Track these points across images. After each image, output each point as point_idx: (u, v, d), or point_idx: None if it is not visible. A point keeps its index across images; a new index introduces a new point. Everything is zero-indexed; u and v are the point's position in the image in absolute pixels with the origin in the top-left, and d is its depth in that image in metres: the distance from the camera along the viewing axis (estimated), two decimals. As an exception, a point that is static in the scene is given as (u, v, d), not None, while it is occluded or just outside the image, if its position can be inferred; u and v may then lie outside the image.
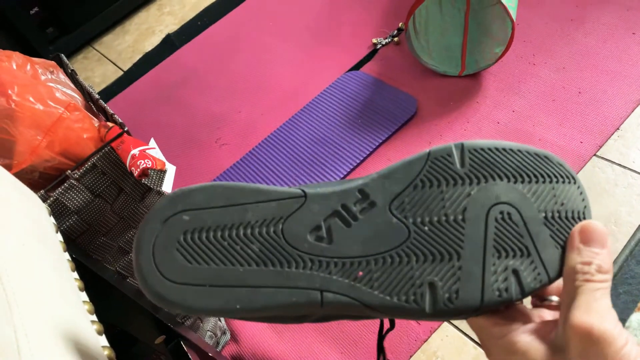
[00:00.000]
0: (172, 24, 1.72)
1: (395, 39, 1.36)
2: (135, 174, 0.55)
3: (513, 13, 1.07)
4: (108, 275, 0.60)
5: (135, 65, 1.60)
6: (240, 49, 1.51)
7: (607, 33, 1.19)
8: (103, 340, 0.40)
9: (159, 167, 0.57)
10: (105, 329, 0.44)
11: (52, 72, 0.66)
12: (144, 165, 0.55)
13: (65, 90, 0.63)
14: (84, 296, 0.44)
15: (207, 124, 1.34)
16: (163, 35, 1.68)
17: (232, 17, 1.64)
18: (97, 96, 0.65)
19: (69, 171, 0.55)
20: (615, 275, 0.45)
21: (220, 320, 0.91)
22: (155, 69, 1.55)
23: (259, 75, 1.41)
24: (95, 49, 1.75)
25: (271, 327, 0.94)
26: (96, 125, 0.59)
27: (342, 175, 1.11)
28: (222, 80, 1.44)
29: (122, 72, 1.60)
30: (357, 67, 1.35)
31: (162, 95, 1.45)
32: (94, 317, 0.41)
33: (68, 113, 0.55)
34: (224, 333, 0.92)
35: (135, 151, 0.56)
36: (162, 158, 0.68)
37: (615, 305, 0.43)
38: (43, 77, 0.62)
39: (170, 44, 1.62)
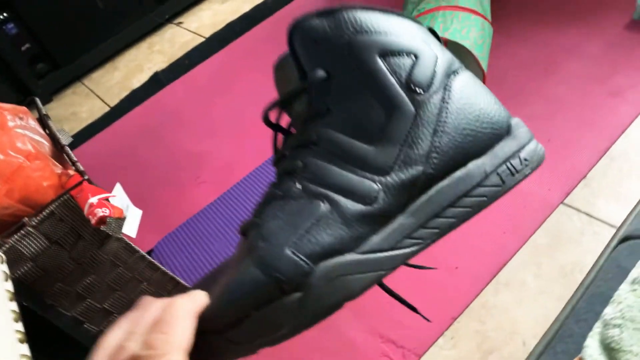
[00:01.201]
0: (161, 62, 1.77)
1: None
2: (92, 222, 0.56)
3: (484, 63, 1.11)
4: (63, 322, 0.60)
5: (122, 101, 1.63)
6: (227, 88, 1.55)
7: (578, 83, 1.23)
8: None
9: (116, 215, 0.58)
10: None
11: (21, 119, 0.67)
12: (102, 214, 0.56)
13: (32, 136, 0.64)
14: (24, 349, 0.44)
15: (188, 161, 1.35)
16: (151, 73, 1.72)
17: (220, 57, 1.69)
18: (63, 142, 0.66)
19: (26, 218, 0.56)
20: (555, 334, 0.46)
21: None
22: (140, 107, 1.57)
23: (243, 114, 1.44)
24: (85, 84, 1.78)
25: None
26: (58, 172, 0.61)
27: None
28: (206, 119, 1.47)
29: (108, 108, 1.63)
30: (337, 109, 1.38)
31: (146, 133, 1.48)
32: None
33: (28, 162, 0.56)
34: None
35: (94, 199, 0.57)
36: (126, 203, 0.69)
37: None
38: (11, 124, 0.64)
39: (158, 81, 1.66)
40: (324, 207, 0.28)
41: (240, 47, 1.70)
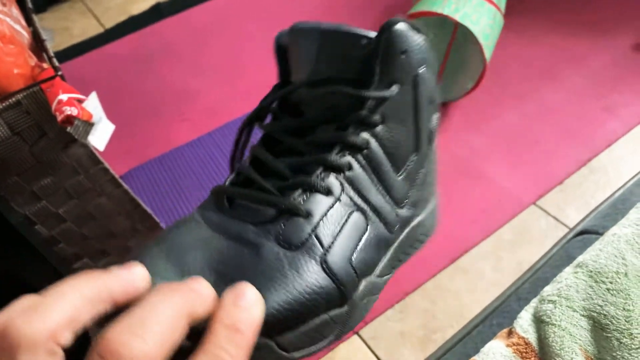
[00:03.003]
0: (165, -6, 1.71)
1: (377, 55, 1.38)
2: (58, 119, 0.54)
3: (488, 53, 1.10)
4: (14, 218, 0.59)
5: (118, 25, 1.58)
6: (225, 31, 1.51)
7: (574, 92, 1.23)
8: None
9: (85, 118, 0.57)
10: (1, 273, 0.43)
11: (4, 5, 0.65)
12: (69, 112, 0.55)
13: (12, 24, 0.62)
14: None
15: (175, 96, 1.33)
16: (153, 2, 1.66)
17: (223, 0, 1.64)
18: (44, 37, 0.64)
19: (-10, 102, 0.54)
20: (495, 309, 0.47)
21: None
22: (136, 34, 1.53)
23: (237, 60, 1.41)
24: (83, 1, 1.72)
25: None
26: (32, 64, 0.59)
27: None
28: (200, 58, 1.43)
29: (103, 30, 1.58)
30: (334, 74, 1.36)
31: (137, 61, 1.44)
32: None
33: (1, 44, 0.54)
34: (136, 304, 0.91)
35: (64, 97, 0.56)
36: (100, 115, 0.68)
37: (485, 335, 0.44)
38: (-8, 6, 0.61)
39: (158, 12, 1.61)
40: (366, 223, 0.28)
41: (250, -6, 1.66)
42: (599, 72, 1.27)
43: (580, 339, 0.33)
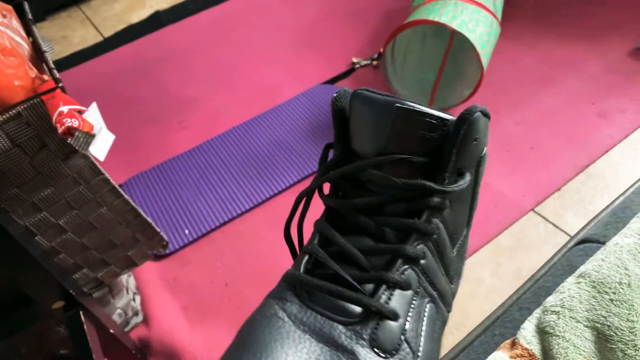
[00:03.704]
0: (163, 1, 1.72)
1: (374, 62, 1.39)
2: (58, 131, 0.54)
3: (485, 60, 1.10)
4: (14, 229, 0.59)
5: (117, 34, 1.59)
6: (225, 39, 1.52)
7: (570, 98, 1.24)
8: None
9: (86, 129, 0.57)
10: (0, 283, 0.42)
11: (4, 16, 0.65)
12: (70, 124, 0.55)
13: (12, 36, 0.62)
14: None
15: (174, 104, 1.33)
16: (152, 11, 1.67)
17: (224, 7, 1.65)
18: (45, 48, 0.64)
19: (-9, 114, 0.54)
20: (497, 319, 0.47)
21: (134, 300, 0.89)
22: (136, 42, 1.53)
23: (237, 68, 1.42)
24: (82, 10, 1.72)
25: (187, 316, 0.93)
26: (32, 76, 0.59)
27: (290, 182, 1.11)
28: (200, 66, 1.44)
29: (102, 38, 1.58)
30: (333, 81, 1.36)
31: (137, 69, 1.44)
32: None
33: (2, 56, 0.54)
34: (136, 314, 0.90)
35: (64, 108, 0.56)
36: (100, 125, 0.68)
37: (488, 345, 0.44)
38: (-8, 18, 0.61)
39: (157, 20, 1.62)
40: (437, 312, 0.28)
41: (249, 0, 1.67)
42: (595, 77, 1.28)
43: (584, 351, 0.33)
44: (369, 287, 0.26)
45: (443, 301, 0.28)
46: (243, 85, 1.37)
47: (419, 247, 0.27)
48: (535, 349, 0.36)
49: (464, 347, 0.48)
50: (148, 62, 1.46)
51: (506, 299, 0.53)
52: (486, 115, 0.28)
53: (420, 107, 0.27)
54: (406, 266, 0.26)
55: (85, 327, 0.67)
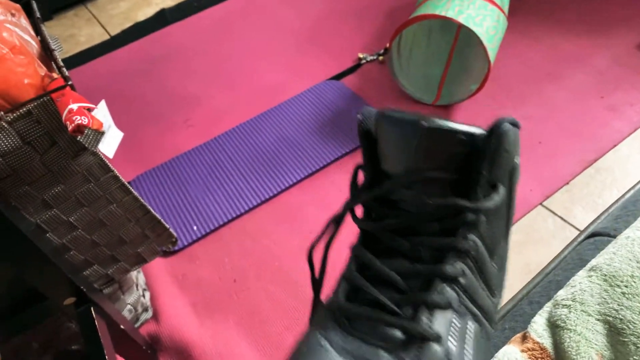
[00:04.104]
0: (169, 0, 1.72)
1: (380, 57, 1.39)
2: (68, 129, 0.55)
3: (492, 55, 1.10)
4: (25, 226, 0.60)
5: (124, 32, 1.59)
6: (230, 37, 1.52)
7: (577, 92, 1.23)
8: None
9: (95, 127, 0.57)
10: (13, 279, 0.43)
11: (13, 15, 0.65)
12: (79, 122, 0.55)
13: (21, 34, 0.62)
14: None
15: (180, 102, 1.33)
16: (158, 9, 1.67)
17: (229, 4, 1.65)
18: (53, 47, 0.64)
19: (2, 113, 0.54)
20: (507, 313, 0.47)
21: (143, 297, 0.90)
22: (142, 40, 1.54)
23: (242, 66, 1.42)
24: (88, 9, 1.73)
25: (196, 312, 0.93)
26: (41, 74, 0.59)
27: (297, 178, 1.11)
28: (205, 63, 1.44)
29: (108, 37, 1.59)
30: (338, 77, 1.36)
31: (143, 67, 1.45)
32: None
33: (12, 55, 0.55)
34: (145, 310, 0.91)
35: (74, 106, 0.56)
36: (109, 123, 0.68)
37: (498, 339, 0.44)
38: (1, 17, 0.62)
39: (163, 18, 1.62)
40: (480, 329, 0.28)
41: (253, -1, 1.67)
42: (602, 71, 1.27)
43: (596, 344, 0.33)
44: (409, 309, 0.26)
45: (486, 317, 0.28)
46: (248, 82, 1.37)
47: (457, 265, 0.27)
48: (547, 342, 0.36)
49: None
50: (154, 60, 1.46)
51: (516, 293, 0.53)
52: (515, 125, 0.27)
53: (447, 123, 0.26)
54: (445, 286, 0.26)
55: (96, 323, 0.68)
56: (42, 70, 0.60)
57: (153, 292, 0.94)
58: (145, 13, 1.67)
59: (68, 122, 0.55)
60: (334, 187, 1.09)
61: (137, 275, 0.91)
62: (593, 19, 1.41)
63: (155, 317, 0.92)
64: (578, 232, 0.94)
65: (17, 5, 0.68)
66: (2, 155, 0.55)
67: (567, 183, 1.05)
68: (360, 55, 1.40)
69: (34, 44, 0.65)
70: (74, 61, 1.49)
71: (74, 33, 1.62)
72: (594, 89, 1.23)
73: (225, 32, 1.54)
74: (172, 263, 1.00)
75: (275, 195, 1.09)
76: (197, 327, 0.90)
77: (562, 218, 0.99)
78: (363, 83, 1.33)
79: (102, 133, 0.60)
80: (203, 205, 1.09)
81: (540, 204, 1.02)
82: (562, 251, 0.53)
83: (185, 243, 1.02)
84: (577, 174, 1.06)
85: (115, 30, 1.62)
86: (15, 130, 0.56)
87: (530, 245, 0.95)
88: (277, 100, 1.30)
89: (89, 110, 0.58)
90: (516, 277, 0.91)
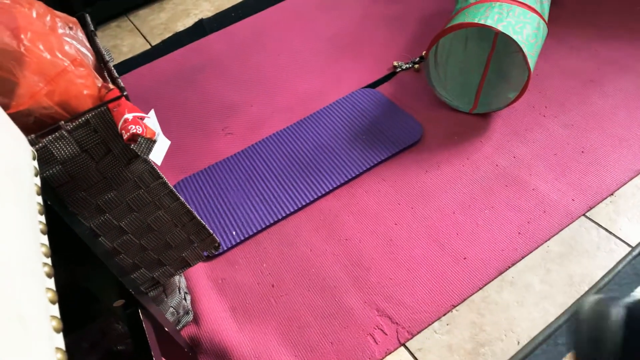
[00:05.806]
0: (207, 10, 1.77)
1: (416, 65, 1.38)
2: (124, 137, 0.57)
3: (532, 62, 1.08)
4: (81, 230, 0.62)
5: (164, 42, 1.64)
6: (266, 46, 1.55)
7: (622, 99, 1.20)
8: (54, 310, 0.39)
9: (148, 136, 0.59)
10: (67, 280, 0.45)
11: (71, 28, 0.69)
12: (134, 131, 0.57)
13: (78, 47, 0.66)
14: (44, 239, 0.45)
15: (218, 111, 1.36)
16: (196, 19, 1.72)
17: (266, 14, 1.68)
18: (107, 58, 0.67)
19: (63, 122, 0.57)
20: (559, 327, 0.46)
21: (185, 300, 0.92)
22: (181, 50, 1.58)
23: (279, 74, 1.44)
24: (130, 20, 1.79)
25: (235, 316, 0.95)
26: (99, 85, 0.62)
27: (333, 185, 1.12)
28: (243, 72, 1.47)
29: (149, 47, 1.64)
30: (374, 85, 1.37)
31: (182, 76, 1.49)
32: (48, 260, 0.43)
33: (73, 67, 0.58)
34: (187, 313, 0.93)
35: (129, 115, 0.58)
36: (158, 130, 0.70)
37: (551, 354, 0.43)
38: (61, 31, 0.65)
39: (201, 28, 1.66)
40: None
41: (289, 8, 1.69)
42: (648, 78, 1.23)
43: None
44: None
45: None
46: (284, 90, 1.39)
47: None
48: None
49: (525, 356, 0.47)
50: (193, 69, 1.50)
51: (569, 307, 0.52)
52: None
53: None
54: None
55: (143, 325, 0.70)
56: (99, 81, 0.63)
57: (194, 296, 0.97)
58: (185, 23, 1.72)
59: (124, 131, 0.58)
60: (369, 195, 1.10)
61: (179, 279, 0.93)
62: (634, 26, 1.38)
63: (196, 320, 0.94)
64: (624, 245, 0.92)
65: (74, 19, 0.71)
66: (62, 163, 0.58)
67: (612, 194, 1.02)
68: (395, 64, 1.40)
69: (89, 56, 0.68)
70: (117, 70, 1.54)
71: (117, 43, 1.69)
72: (638, 96, 1.20)
73: (261, 41, 1.57)
74: (212, 267, 1.02)
75: (311, 202, 1.10)
76: (236, 331, 0.92)
77: (607, 230, 0.96)
78: (398, 90, 1.33)
79: (154, 141, 0.62)
80: (242, 211, 1.11)
81: (584, 214, 0.99)
82: (616, 266, 0.52)
83: (225, 248, 1.04)
84: (622, 184, 1.03)
85: (155, 40, 1.67)
86: (74, 139, 0.58)
87: (573, 257, 0.93)
88: (313, 107, 1.32)
89: (142, 119, 0.61)
90: (558, 290, 0.89)
